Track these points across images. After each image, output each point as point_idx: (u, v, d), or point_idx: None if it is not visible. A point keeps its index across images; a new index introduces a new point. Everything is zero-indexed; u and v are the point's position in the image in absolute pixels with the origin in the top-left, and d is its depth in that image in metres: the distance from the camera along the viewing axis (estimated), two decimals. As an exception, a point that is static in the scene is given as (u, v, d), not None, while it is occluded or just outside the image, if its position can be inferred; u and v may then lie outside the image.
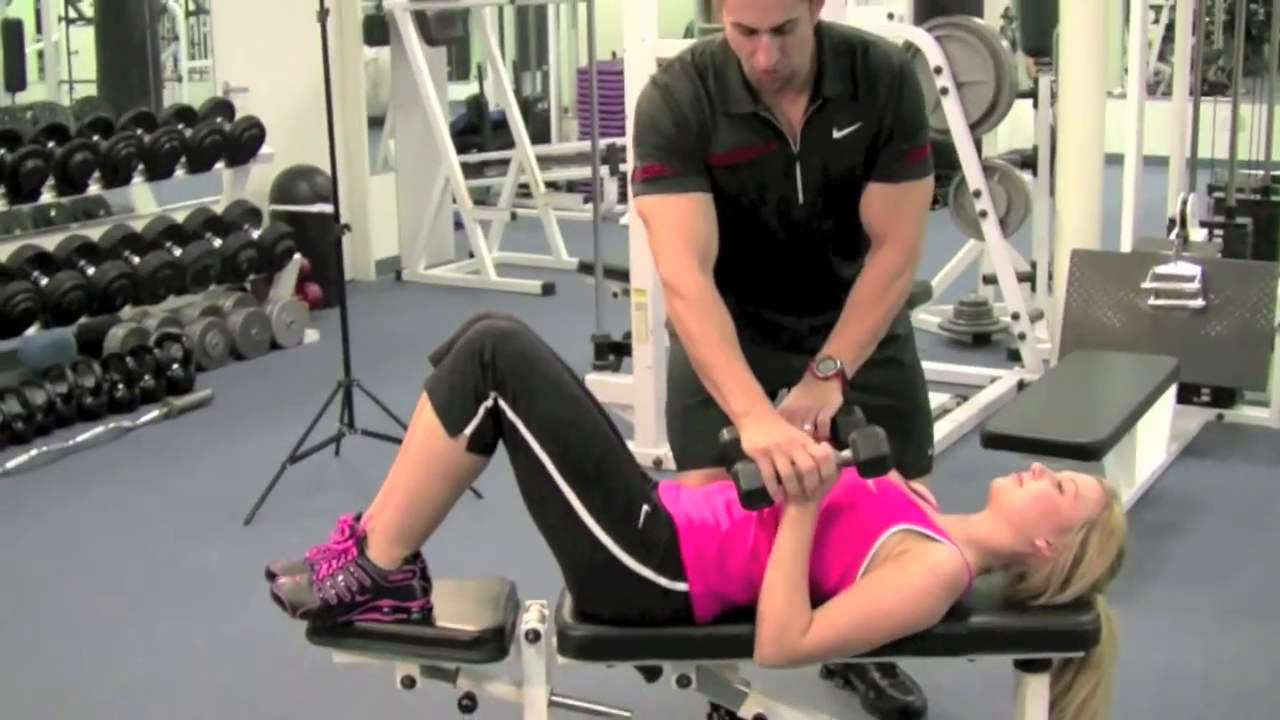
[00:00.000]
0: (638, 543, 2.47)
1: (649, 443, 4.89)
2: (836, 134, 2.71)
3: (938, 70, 5.55)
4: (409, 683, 2.64)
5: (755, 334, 2.78)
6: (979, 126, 5.72)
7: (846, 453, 2.51)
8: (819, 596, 2.48)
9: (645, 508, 2.49)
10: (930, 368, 5.83)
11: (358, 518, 2.61)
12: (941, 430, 5.12)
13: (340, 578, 2.55)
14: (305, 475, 4.74)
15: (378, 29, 8.30)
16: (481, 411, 2.47)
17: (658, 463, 4.75)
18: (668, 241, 2.67)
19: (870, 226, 2.77)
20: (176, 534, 4.57)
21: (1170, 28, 8.60)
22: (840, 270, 2.86)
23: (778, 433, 2.48)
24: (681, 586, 2.48)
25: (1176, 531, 4.42)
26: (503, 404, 2.46)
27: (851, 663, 3.27)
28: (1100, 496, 2.57)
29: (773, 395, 2.70)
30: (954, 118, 5.59)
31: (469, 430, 2.48)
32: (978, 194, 5.66)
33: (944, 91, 5.58)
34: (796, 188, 2.74)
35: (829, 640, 2.45)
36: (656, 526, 2.49)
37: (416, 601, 2.58)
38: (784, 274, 2.85)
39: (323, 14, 4.69)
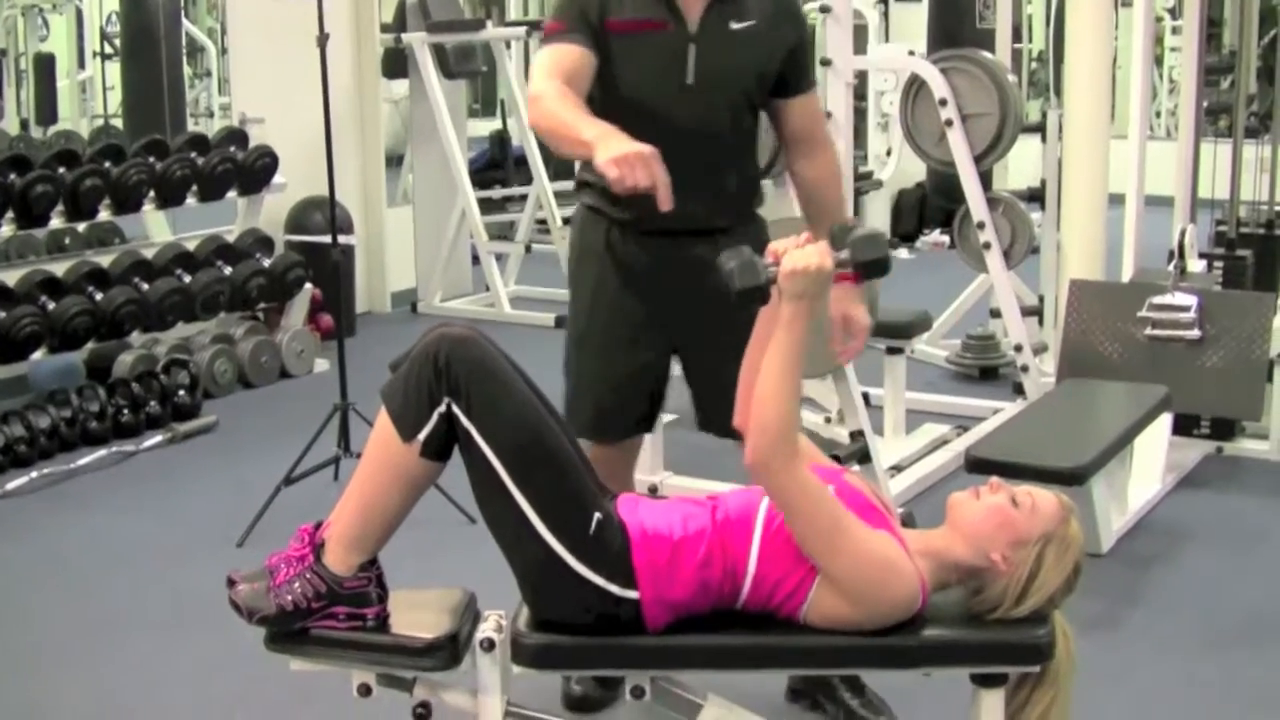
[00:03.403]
0: (588, 549, 2.48)
1: (644, 469, 4.88)
2: (735, 26, 3.01)
3: (943, 102, 5.53)
4: (365, 691, 2.64)
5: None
6: (984, 159, 5.70)
7: (845, 253, 2.44)
8: (772, 598, 2.49)
9: (597, 515, 2.50)
10: (934, 400, 5.93)
11: (318, 525, 2.63)
12: (938, 461, 5.12)
13: (296, 584, 2.57)
14: (302, 498, 4.74)
15: (397, 62, 8.35)
16: (435, 417, 2.49)
17: (653, 490, 4.75)
18: (543, 72, 2.88)
19: (794, 135, 3.17)
20: (168, 556, 4.59)
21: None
22: (727, 176, 3.06)
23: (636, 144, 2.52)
24: (632, 594, 2.48)
25: (1164, 560, 4.40)
26: (456, 409, 2.49)
27: (820, 682, 3.27)
28: (1057, 511, 2.57)
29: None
30: (959, 150, 5.58)
31: (422, 435, 2.50)
32: (981, 226, 5.65)
33: (949, 123, 5.57)
34: (688, 68, 2.96)
35: (797, 495, 2.44)
36: (608, 534, 2.50)
37: (372, 609, 2.59)
38: (674, 171, 2.58)
39: (322, 39, 4.73)
